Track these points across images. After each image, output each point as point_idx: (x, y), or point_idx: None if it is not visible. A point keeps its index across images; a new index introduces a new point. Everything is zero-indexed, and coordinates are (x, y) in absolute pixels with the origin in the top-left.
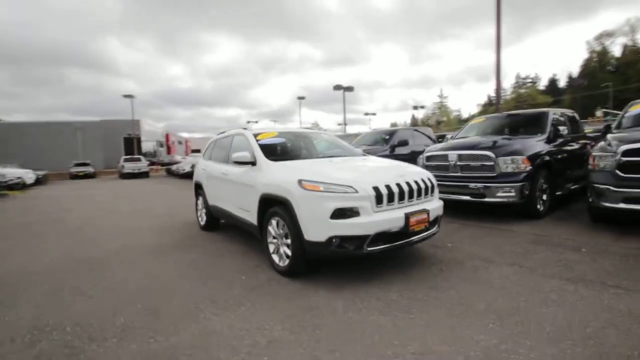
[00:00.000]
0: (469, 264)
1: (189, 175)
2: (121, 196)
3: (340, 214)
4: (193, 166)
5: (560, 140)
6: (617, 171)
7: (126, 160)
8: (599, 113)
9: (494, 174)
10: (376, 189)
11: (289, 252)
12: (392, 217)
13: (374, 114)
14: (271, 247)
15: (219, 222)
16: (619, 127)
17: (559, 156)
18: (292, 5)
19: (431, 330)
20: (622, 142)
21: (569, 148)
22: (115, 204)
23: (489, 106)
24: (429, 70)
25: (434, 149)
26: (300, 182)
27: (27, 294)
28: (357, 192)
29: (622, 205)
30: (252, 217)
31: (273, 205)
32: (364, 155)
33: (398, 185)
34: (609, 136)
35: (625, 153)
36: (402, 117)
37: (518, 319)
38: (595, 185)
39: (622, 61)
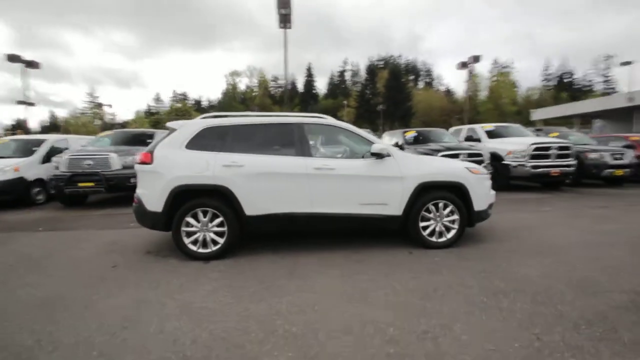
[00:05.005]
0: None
1: None
2: None
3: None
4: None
5: None
6: None
7: None
8: None
9: None
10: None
11: (452, 227)
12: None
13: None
14: (424, 231)
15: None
16: (407, 143)
17: None
18: None
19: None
20: (439, 150)
21: None
22: None
23: (150, 115)
24: (52, 60)
25: None
26: (468, 169)
27: None
28: (490, 174)
29: None
30: (391, 209)
31: (432, 191)
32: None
33: None
34: (406, 148)
35: (443, 156)
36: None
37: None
38: None
39: (245, 95)
